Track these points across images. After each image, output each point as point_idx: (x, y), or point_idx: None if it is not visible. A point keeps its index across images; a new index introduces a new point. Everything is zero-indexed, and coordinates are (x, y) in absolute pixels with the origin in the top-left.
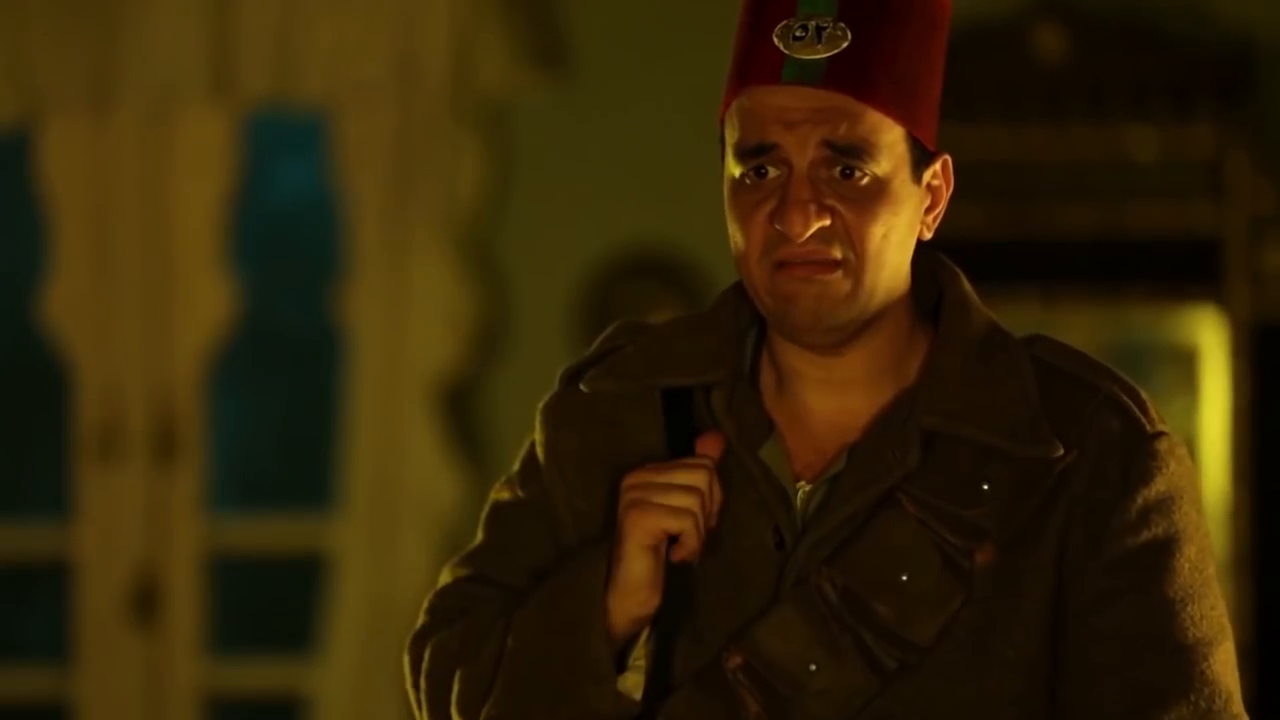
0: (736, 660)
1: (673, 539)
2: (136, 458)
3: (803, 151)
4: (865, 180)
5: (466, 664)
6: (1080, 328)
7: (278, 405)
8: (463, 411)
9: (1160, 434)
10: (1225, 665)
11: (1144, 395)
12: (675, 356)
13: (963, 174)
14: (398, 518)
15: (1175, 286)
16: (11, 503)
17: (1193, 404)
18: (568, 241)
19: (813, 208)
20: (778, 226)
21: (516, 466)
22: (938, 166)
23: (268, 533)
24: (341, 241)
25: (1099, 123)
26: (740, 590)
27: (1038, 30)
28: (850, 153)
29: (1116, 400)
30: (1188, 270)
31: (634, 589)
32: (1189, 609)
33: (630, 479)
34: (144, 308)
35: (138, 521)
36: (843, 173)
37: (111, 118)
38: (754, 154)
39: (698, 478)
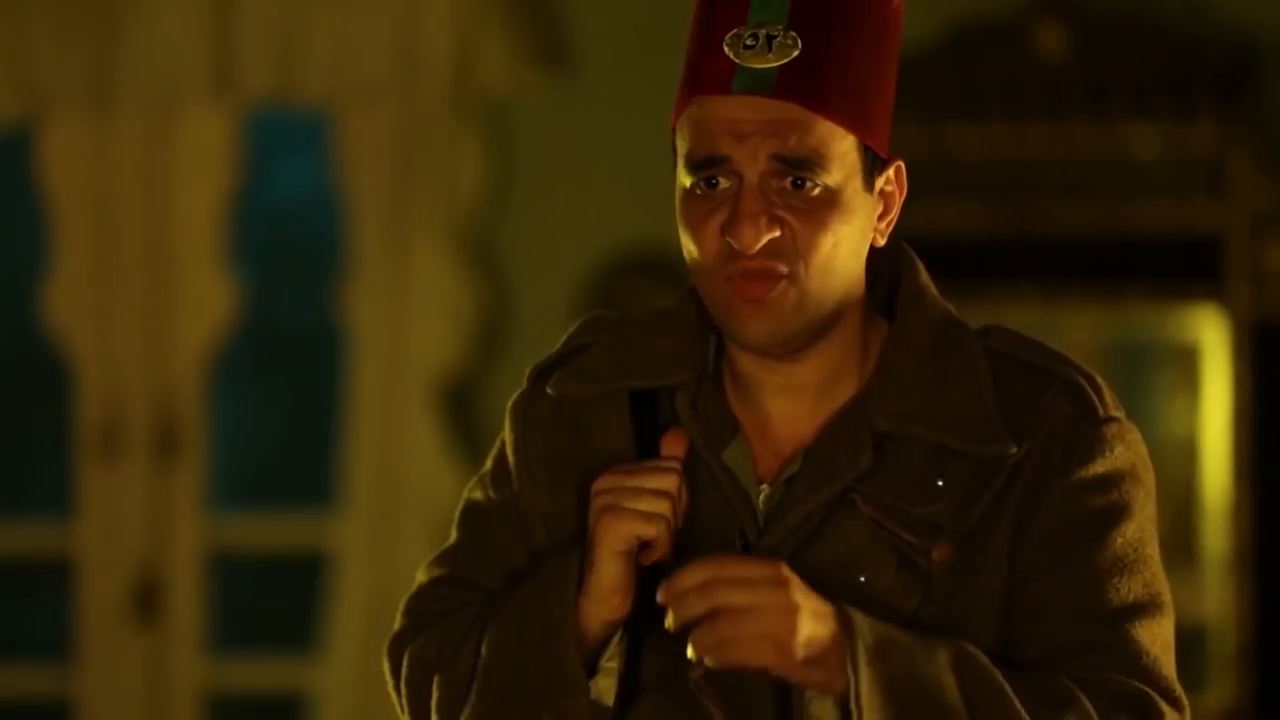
0: (698, 671)
1: (644, 543)
2: (137, 456)
3: (753, 164)
4: (816, 191)
5: (443, 671)
6: (1081, 326)
7: (279, 403)
8: (464, 409)
9: (1111, 419)
10: (1153, 635)
11: (1100, 381)
12: (640, 358)
13: (964, 172)
14: (399, 516)
15: (1176, 285)
16: (13, 501)
17: (1194, 402)
18: (569, 239)
19: (763, 220)
20: (728, 239)
21: (488, 465)
22: (890, 173)
23: (269, 531)
24: (342, 239)
25: (1100, 121)
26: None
27: (1039, 29)
28: (801, 165)
29: (1071, 386)
30: (1189, 268)
31: (607, 594)
32: (1115, 580)
33: (600, 483)
34: (145, 306)
35: (139, 520)
36: (793, 184)
37: (113, 116)
38: (704, 166)
39: (668, 481)
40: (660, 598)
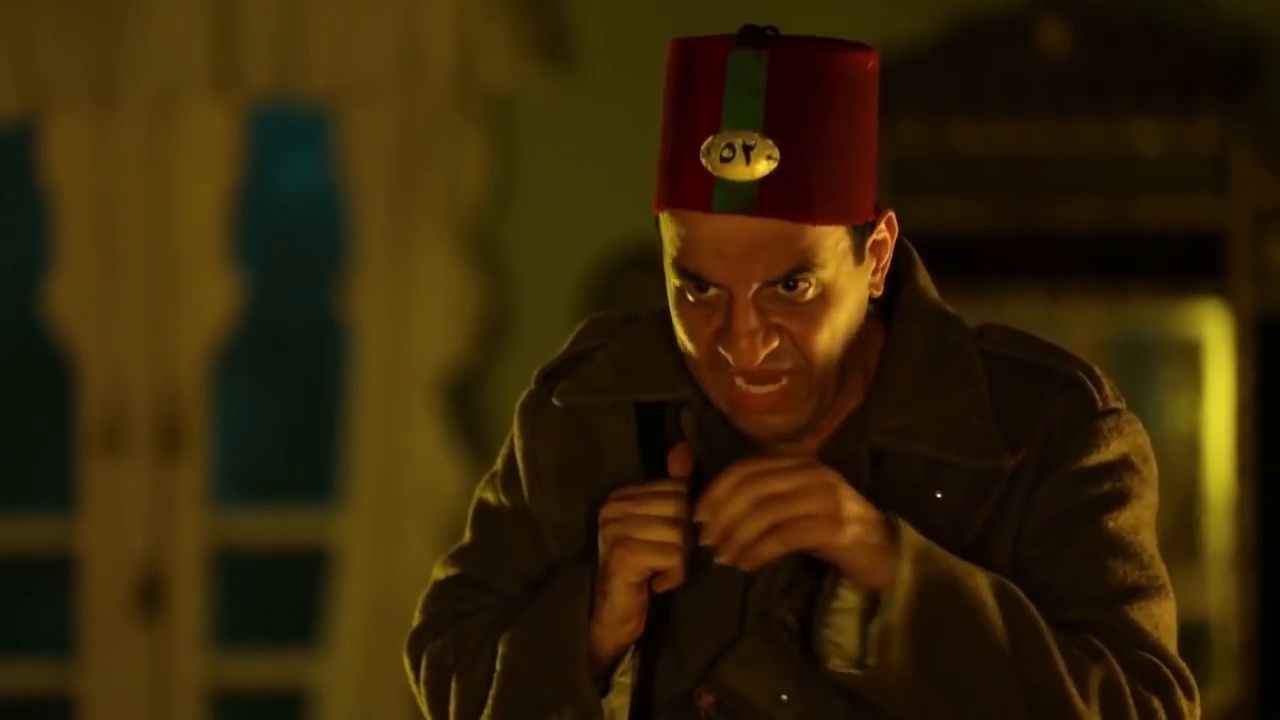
0: (708, 699)
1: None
2: (141, 452)
3: (744, 284)
4: (810, 292)
5: (461, 678)
6: (1084, 322)
7: (282, 399)
8: (467, 405)
9: (1110, 411)
10: (1154, 619)
11: (1099, 373)
12: (645, 369)
13: (967, 169)
14: (402, 512)
15: (1179, 281)
16: (16, 496)
17: (1197, 398)
18: (572, 236)
19: (759, 336)
20: (723, 351)
21: (499, 465)
22: (881, 224)
23: (272, 527)
24: (345, 235)
25: (1103, 117)
26: (717, 614)
27: (1042, 24)
28: (791, 275)
29: (1072, 380)
30: (1192, 264)
31: (620, 622)
32: (1110, 563)
33: (609, 510)
34: (148, 302)
35: (142, 515)
36: (786, 285)
37: (116, 112)
38: (693, 278)
39: (678, 508)
40: (699, 515)
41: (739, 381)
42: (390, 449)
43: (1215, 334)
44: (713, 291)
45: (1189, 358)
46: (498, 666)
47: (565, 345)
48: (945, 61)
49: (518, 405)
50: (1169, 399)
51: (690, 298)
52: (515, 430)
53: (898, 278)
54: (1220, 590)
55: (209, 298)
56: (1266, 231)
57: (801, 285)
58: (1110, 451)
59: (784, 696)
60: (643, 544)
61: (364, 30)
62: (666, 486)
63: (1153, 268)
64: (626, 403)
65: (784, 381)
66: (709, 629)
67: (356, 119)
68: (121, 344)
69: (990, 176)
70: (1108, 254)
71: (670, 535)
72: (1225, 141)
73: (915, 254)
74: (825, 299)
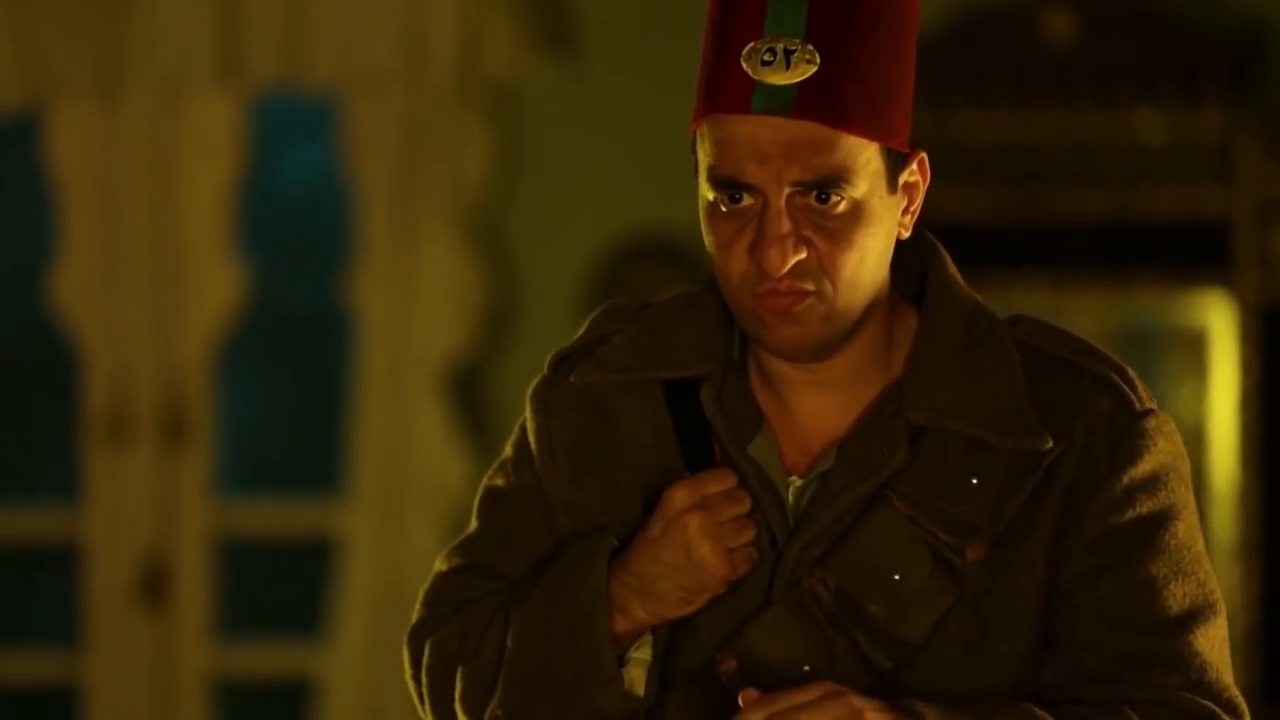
0: (730, 665)
1: None
2: (145, 442)
3: (777, 186)
4: (841, 206)
5: (467, 662)
6: (1089, 312)
7: (286, 389)
8: (471, 396)
9: (1149, 412)
10: (1212, 641)
11: (1132, 373)
12: (663, 348)
13: (972, 158)
14: (406, 502)
15: (1184, 270)
16: (20, 486)
17: (1201, 388)
18: (576, 225)
19: (790, 243)
20: (753, 265)
21: (509, 452)
22: (914, 165)
23: (276, 517)
24: (350, 226)
25: (1108, 107)
26: (735, 588)
27: (1047, 14)
28: (825, 183)
29: (1105, 380)
30: (1196, 254)
31: (674, 613)
32: (1172, 586)
33: (694, 521)
34: (153, 292)
35: (146, 505)
36: (818, 198)
37: (120, 102)
38: (728, 185)
39: (746, 505)
40: None
41: (765, 294)
42: (394, 439)
43: (1220, 324)
44: (746, 201)
45: (1193, 347)
46: (509, 643)
47: (580, 332)
48: (950, 51)
49: (530, 390)
50: (1173, 389)
51: (723, 208)
52: (528, 413)
53: (924, 264)
54: (1225, 580)
55: (213, 288)
56: (1271, 221)
57: (834, 198)
58: (1160, 455)
59: (807, 667)
60: (740, 552)
61: (368, 20)
62: (727, 483)
63: (1157, 257)
64: (644, 384)
65: (808, 299)
66: (728, 602)
67: (361, 109)
68: (126, 334)
69: (995, 166)
70: (1112, 244)
71: (750, 535)
72: (1230, 131)
73: (940, 246)
74: (856, 217)
